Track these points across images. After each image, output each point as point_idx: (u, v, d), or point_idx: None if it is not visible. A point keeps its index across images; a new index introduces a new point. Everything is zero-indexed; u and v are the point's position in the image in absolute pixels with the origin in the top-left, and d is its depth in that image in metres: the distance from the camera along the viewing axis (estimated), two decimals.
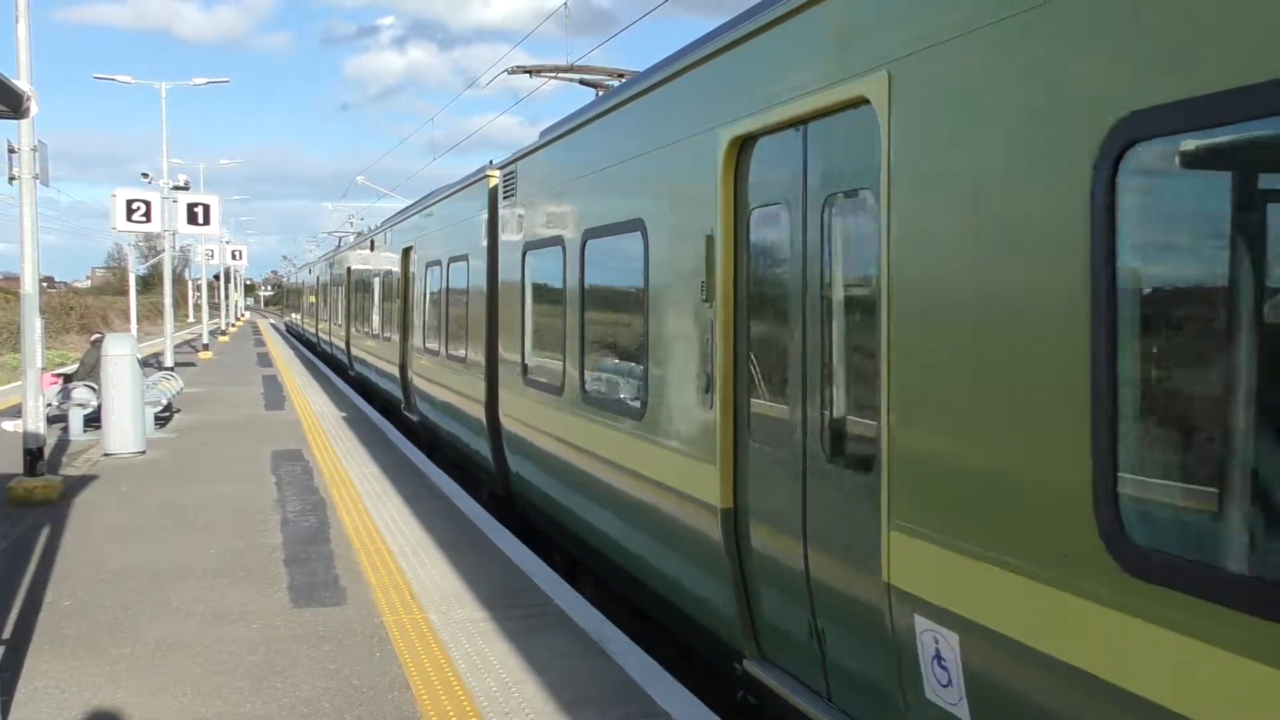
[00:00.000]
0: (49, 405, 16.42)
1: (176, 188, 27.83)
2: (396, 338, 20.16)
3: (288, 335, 65.88)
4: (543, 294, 10.43)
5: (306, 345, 51.41)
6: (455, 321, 14.53)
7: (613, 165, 8.09)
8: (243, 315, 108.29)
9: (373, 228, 32.12)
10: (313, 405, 22.69)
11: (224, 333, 64.33)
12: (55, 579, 8.82)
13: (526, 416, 10.59)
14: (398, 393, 20.17)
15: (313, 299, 50.01)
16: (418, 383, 17.68)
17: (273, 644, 7.17)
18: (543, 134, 10.66)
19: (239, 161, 72.71)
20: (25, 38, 12.59)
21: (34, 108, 12.15)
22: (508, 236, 11.57)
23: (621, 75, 12.39)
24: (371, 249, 25.73)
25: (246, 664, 6.78)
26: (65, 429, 17.60)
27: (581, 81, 13.20)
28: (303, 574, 8.93)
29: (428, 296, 16.96)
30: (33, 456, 12.28)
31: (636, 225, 7.45)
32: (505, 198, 11.60)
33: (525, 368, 10.72)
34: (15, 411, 15.21)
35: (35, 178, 12.51)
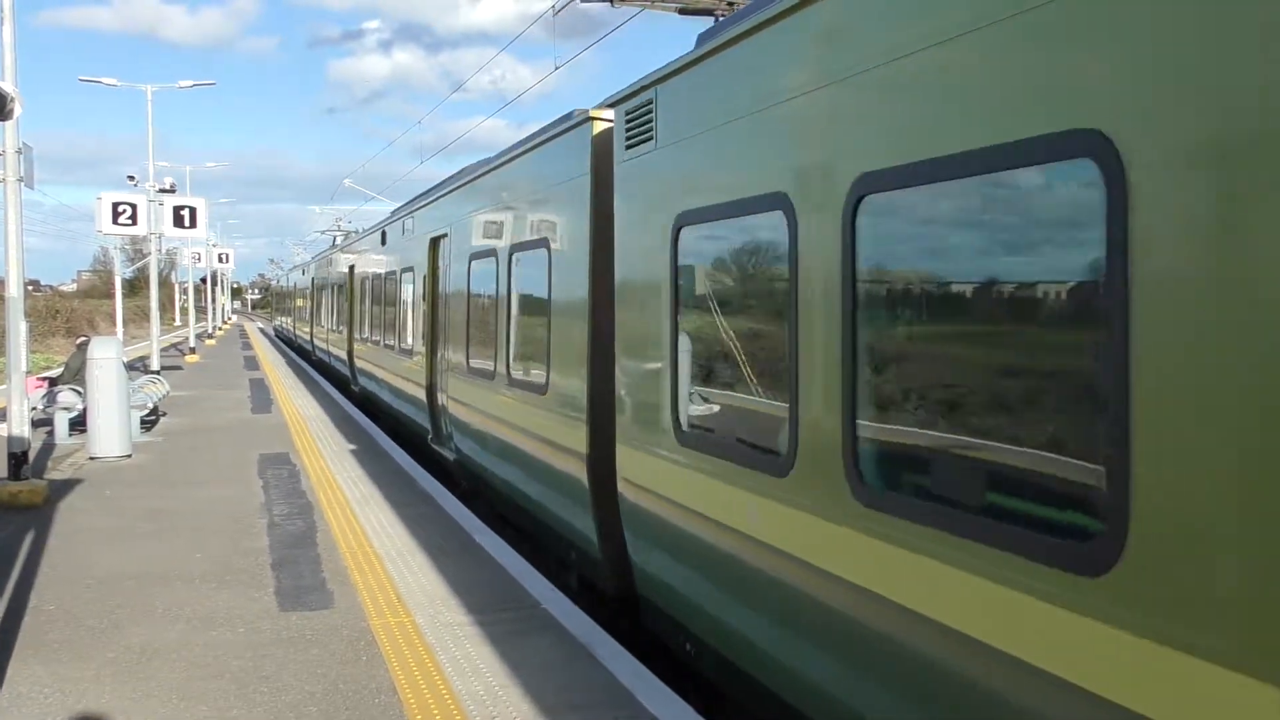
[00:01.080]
0: (34, 409, 16.33)
1: (163, 190, 27.79)
2: (421, 351, 16.01)
3: (276, 340, 65.41)
4: (725, 297, 6.36)
5: (300, 353, 47.07)
6: (523, 335, 10.57)
7: (981, 27, 3.91)
8: (230, 319, 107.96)
9: (358, 230, 31.50)
10: (300, 409, 22.61)
11: (211, 336, 64.11)
12: (39, 584, 8.76)
13: (688, 496, 6.53)
14: (422, 420, 15.93)
15: (306, 302, 44.64)
16: (456, 411, 13.38)
17: (259, 648, 7.13)
18: (704, 37, 6.67)
19: (225, 164, 72.53)
20: (10, 40, 12.54)
21: (18, 109, 12.11)
22: (635, 205, 7.52)
23: (732, 4, 9.52)
24: (383, 242, 21.41)
25: (232, 668, 6.75)
26: (50, 432, 17.50)
27: (681, 11, 10.15)
28: (289, 578, 8.89)
29: (471, 300, 12.73)
30: (17, 460, 12.21)
31: (1088, 144, 3.43)
32: (632, 145, 7.48)
33: (679, 417, 6.64)
34: (0, 415, 15.12)
35: (20, 180, 12.45)
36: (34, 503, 11.93)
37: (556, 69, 17.55)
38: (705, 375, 6.60)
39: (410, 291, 17.57)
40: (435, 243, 15.44)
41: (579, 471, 8.52)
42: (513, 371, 10.71)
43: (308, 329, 43.36)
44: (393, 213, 22.06)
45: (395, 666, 6.76)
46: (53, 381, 19.82)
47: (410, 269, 17.52)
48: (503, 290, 11.17)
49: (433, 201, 16.07)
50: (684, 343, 6.71)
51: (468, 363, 12.73)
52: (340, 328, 29.02)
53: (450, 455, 13.85)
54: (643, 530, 7.38)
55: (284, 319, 69.59)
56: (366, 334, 23.49)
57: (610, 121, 8.22)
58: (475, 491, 12.84)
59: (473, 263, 12.74)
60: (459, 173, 15.01)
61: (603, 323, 8.19)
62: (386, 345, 20.10)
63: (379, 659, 6.90)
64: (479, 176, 12.74)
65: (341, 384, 28.44)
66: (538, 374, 9.80)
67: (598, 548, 8.36)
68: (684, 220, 6.61)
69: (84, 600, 8.27)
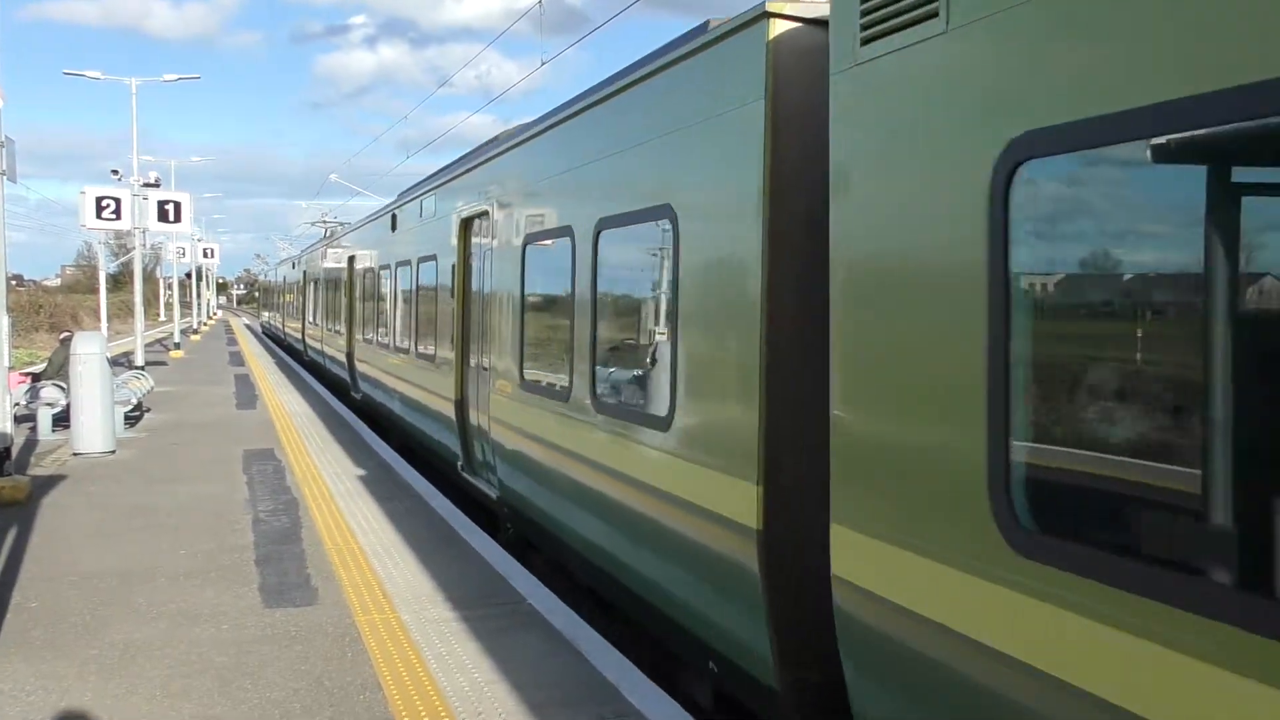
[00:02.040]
0: (17, 404, 16.25)
1: (147, 185, 27.62)
2: (447, 357, 13.06)
3: (263, 336, 64.88)
4: (1149, 290, 3.42)
5: (290, 353, 43.18)
6: (622, 344, 7.77)
7: None
8: (215, 314, 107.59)
9: (345, 224, 31.01)
10: (285, 404, 22.55)
11: (196, 331, 63.86)
12: (22, 581, 8.72)
13: (1049, 658, 3.44)
14: (446, 440, 13.11)
15: (296, 298, 40.73)
16: (501, 436, 10.35)
17: (243, 645, 7.11)
18: None
19: (210, 159, 72.62)
20: None
21: (0, 102, 12.04)
22: (890, 135, 4.33)
23: None
24: (393, 227, 18.35)
25: (216, 665, 6.73)
26: (33, 428, 17.41)
27: None
28: (274, 574, 8.87)
29: (528, 296, 9.83)
30: None
31: None
32: (878, 35, 4.37)
33: (1012, 502, 3.67)
34: None
35: (2, 174, 12.37)
36: (16, 499, 11.85)
37: (543, 64, 17.55)
38: (1089, 431, 3.55)
39: (431, 285, 14.59)
40: (468, 224, 12.45)
41: (741, 553, 5.63)
42: (601, 393, 7.74)
43: (298, 327, 39.31)
44: (402, 194, 18.98)
45: (380, 663, 6.75)
46: (36, 377, 19.74)
47: (430, 258, 14.55)
48: (582, 281, 8.16)
49: (464, 173, 12.82)
50: (1023, 370, 3.71)
51: (520, 375, 9.79)
52: (338, 327, 25.66)
53: (491, 491, 10.96)
54: (893, 674, 4.40)
55: (271, 315, 66.62)
56: (371, 335, 20.28)
57: (800, 20, 5.46)
58: (528, 543, 9.96)
59: (529, 246, 9.74)
60: (497, 137, 12.28)
61: (786, 330, 5.48)
62: (398, 349, 17.00)
63: (364, 655, 6.89)
64: (541, 133, 9.56)
65: (339, 389, 25.51)
66: (652, 400, 7.03)
67: (773, 671, 5.51)
68: (1029, 149, 3.59)
69: (67, 597, 8.23)
